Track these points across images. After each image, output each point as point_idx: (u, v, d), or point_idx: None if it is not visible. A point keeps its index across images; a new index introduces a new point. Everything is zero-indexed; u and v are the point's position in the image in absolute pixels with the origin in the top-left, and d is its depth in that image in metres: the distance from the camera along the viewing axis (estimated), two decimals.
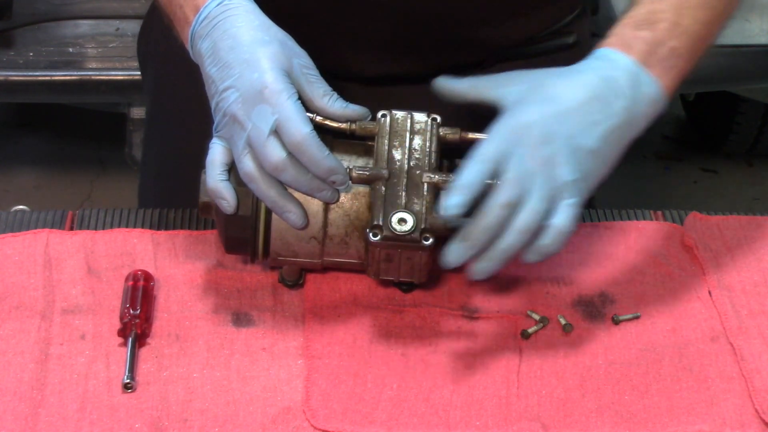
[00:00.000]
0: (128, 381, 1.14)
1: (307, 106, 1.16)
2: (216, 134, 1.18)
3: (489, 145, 1.11)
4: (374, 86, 1.34)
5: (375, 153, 1.18)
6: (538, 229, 1.11)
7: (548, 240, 1.11)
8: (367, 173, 1.16)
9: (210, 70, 1.17)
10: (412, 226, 1.15)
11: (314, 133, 1.13)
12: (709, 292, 1.28)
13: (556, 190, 1.10)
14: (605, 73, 1.14)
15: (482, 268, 1.12)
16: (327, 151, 1.14)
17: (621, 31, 1.17)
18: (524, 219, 1.10)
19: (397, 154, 1.17)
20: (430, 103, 1.20)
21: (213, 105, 1.17)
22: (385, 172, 1.16)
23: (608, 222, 1.37)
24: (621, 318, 1.24)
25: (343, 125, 1.18)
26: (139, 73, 1.65)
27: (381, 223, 1.15)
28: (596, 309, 1.26)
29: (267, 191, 1.15)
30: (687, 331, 1.24)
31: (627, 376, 1.18)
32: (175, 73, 1.48)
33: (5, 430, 1.10)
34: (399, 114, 1.19)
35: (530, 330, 1.23)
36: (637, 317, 1.25)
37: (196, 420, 1.12)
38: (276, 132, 1.13)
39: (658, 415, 1.14)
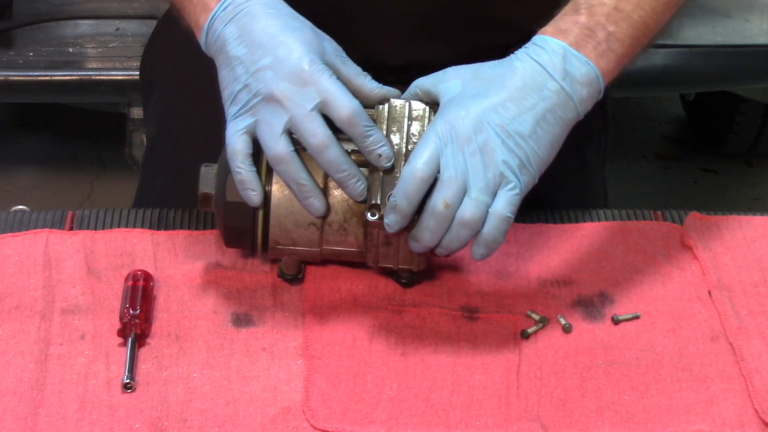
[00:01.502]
0: (128, 381, 1.14)
1: (346, 86, 1.17)
2: (235, 119, 1.17)
3: (422, 149, 1.14)
4: (398, 75, 1.35)
5: None
6: (476, 221, 1.14)
7: (488, 228, 1.14)
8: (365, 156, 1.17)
9: (236, 51, 1.17)
10: None
11: (362, 107, 1.15)
12: (709, 292, 1.28)
13: (495, 178, 1.13)
14: (537, 58, 1.16)
15: (440, 253, 1.17)
16: (374, 124, 1.16)
17: (559, 17, 1.19)
18: (465, 211, 1.13)
19: (395, 139, 1.18)
20: None
21: (238, 86, 1.17)
22: None
23: (608, 222, 1.37)
24: (621, 318, 1.24)
25: None
26: (139, 73, 1.65)
27: (379, 202, 1.15)
28: (596, 309, 1.26)
29: (297, 174, 1.16)
30: (687, 331, 1.23)
31: (627, 376, 1.18)
32: (184, 99, 1.48)
33: (5, 430, 1.10)
34: (397, 102, 1.20)
35: (530, 330, 1.23)
36: (636, 317, 1.25)
37: (196, 420, 1.12)
38: (318, 113, 1.14)
39: (657, 415, 1.14)
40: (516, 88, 1.15)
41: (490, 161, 1.13)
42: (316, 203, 1.18)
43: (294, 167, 1.16)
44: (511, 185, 1.13)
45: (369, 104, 1.20)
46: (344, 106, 1.14)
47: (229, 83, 1.18)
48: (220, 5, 1.19)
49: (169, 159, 1.52)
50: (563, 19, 1.18)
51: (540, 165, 1.15)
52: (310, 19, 1.21)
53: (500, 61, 1.18)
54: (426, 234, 1.14)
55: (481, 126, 1.13)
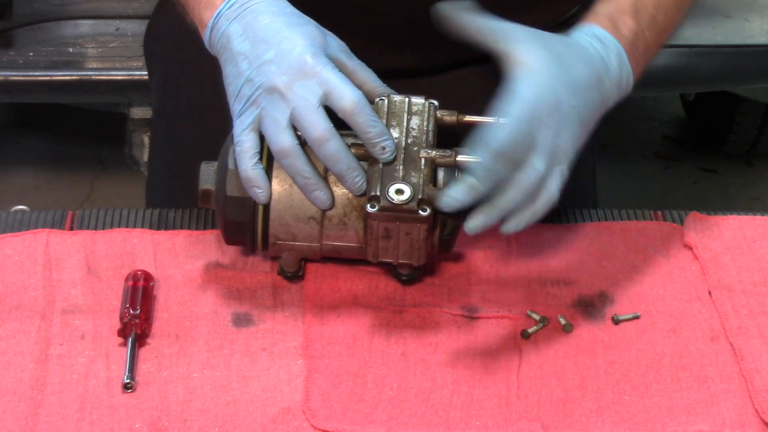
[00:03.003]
0: (128, 381, 1.14)
1: (350, 78, 1.17)
2: (240, 115, 1.17)
3: (519, 109, 1.10)
4: (382, 80, 1.35)
5: None
6: (532, 193, 1.12)
7: (539, 204, 1.13)
8: (365, 149, 1.17)
9: (241, 47, 1.17)
10: (410, 196, 1.16)
11: (365, 98, 1.15)
12: (709, 292, 1.28)
13: (556, 157, 1.12)
14: (603, 55, 1.17)
15: (478, 222, 1.13)
16: (377, 116, 1.16)
17: (610, 12, 1.19)
18: (527, 179, 1.11)
19: (394, 133, 1.18)
20: (435, 97, 1.21)
21: (241, 81, 1.17)
22: None
23: (608, 222, 1.37)
24: (621, 318, 1.24)
25: None
26: (139, 73, 1.66)
27: (378, 194, 1.15)
28: (596, 309, 1.26)
29: (303, 167, 1.16)
30: (687, 331, 1.23)
31: (627, 376, 1.18)
32: (183, 72, 1.48)
33: (5, 430, 1.10)
34: (397, 97, 1.21)
35: (530, 330, 1.23)
36: (637, 317, 1.25)
37: (196, 420, 1.12)
38: (320, 105, 1.14)
39: (658, 415, 1.14)
40: (590, 77, 1.15)
41: (557, 139, 1.12)
42: (322, 196, 1.18)
43: (299, 161, 1.16)
44: (563, 168, 1.13)
45: (370, 99, 1.20)
46: (347, 96, 1.14)
47: (233, 79, 1.18)
48: (226, 3, 1.20)
49: (173, 130, 1.54)
50: (620, 18, 1.19)
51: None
52: None
53: (568, 40, 1.17)
54: (482, 172, 1.10)
55: (559, 105, 1.12)
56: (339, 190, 1.19)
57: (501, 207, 1.13)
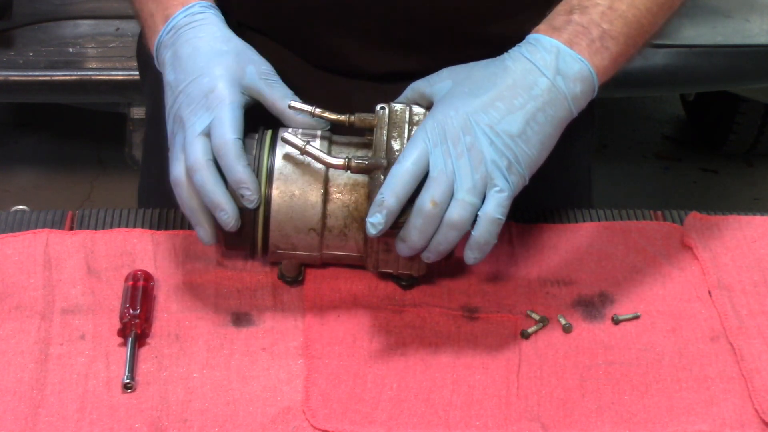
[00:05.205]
0: (128, 381, 1.14)
1: (271, 109, 1.19)
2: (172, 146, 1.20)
3: (412, 147, 1.14)
4: (382, 83, 1.35)
5: (373, 144, 1.18)
6: (461, 222, 1.13)
7: (478, 231, 1.14)
8: (366, 162, 1.16)
9: (169, 77, 1.20)
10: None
11: (239, 142, 1.15)
12: (709, 292, 1.28)
13: (483, 179, 1.13)
14: (529, 56, 1.16)
15: (426, 258, 1.17)
16: (245, 163, 1.16)
17: (552, 16, 1.19)
18: (453, 212, 1.13)
19: (395, 145, 1.18)
20: None
21: (165, 111, 1.20)
22: (383, 162, 1.16)
23: (608, 222, 1.37)
24: (621, 318, 1.24)
25: (342, 117, 1.19)
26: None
27: None
28: (596, 309, 1.26)
29: (189, 200, 1.17)
30: (687, 331, 1.24)
31: (627, 376, 1.18)
32: None
33: (5, 430, 1.10)
34: (398, 106, 1.20)
35: (530, 330, 1.23)
36: (637, 317, 1.25)
37: (196, 420, 1.12)
38: (206, 136, 1.16)
39: (658, 415, 1.14)
40: (506, 87, 1.15)
41: (478, 162, 1.12)
42: (201, 232, 1.19)
43: (183, 193, 1.17)
44: (499, 187, 1.13)
45: (298, 125, 1.20)
46: (218, 135, 1.15)
47: (167, 109, 1.21)
48: (164, 29, 1.23)
49: (164, 134, 1.54)
50: (556, 18, 1.18)
51: (530, 165, 1.15)
52: (290, 28, 1.21)
53: (493, 60, 1.18)
54: (414, 234, 1.14)
55: (470, 126, 1.13)
56: (339, 202, 1.19)
57: (438, 244, 1.14)
